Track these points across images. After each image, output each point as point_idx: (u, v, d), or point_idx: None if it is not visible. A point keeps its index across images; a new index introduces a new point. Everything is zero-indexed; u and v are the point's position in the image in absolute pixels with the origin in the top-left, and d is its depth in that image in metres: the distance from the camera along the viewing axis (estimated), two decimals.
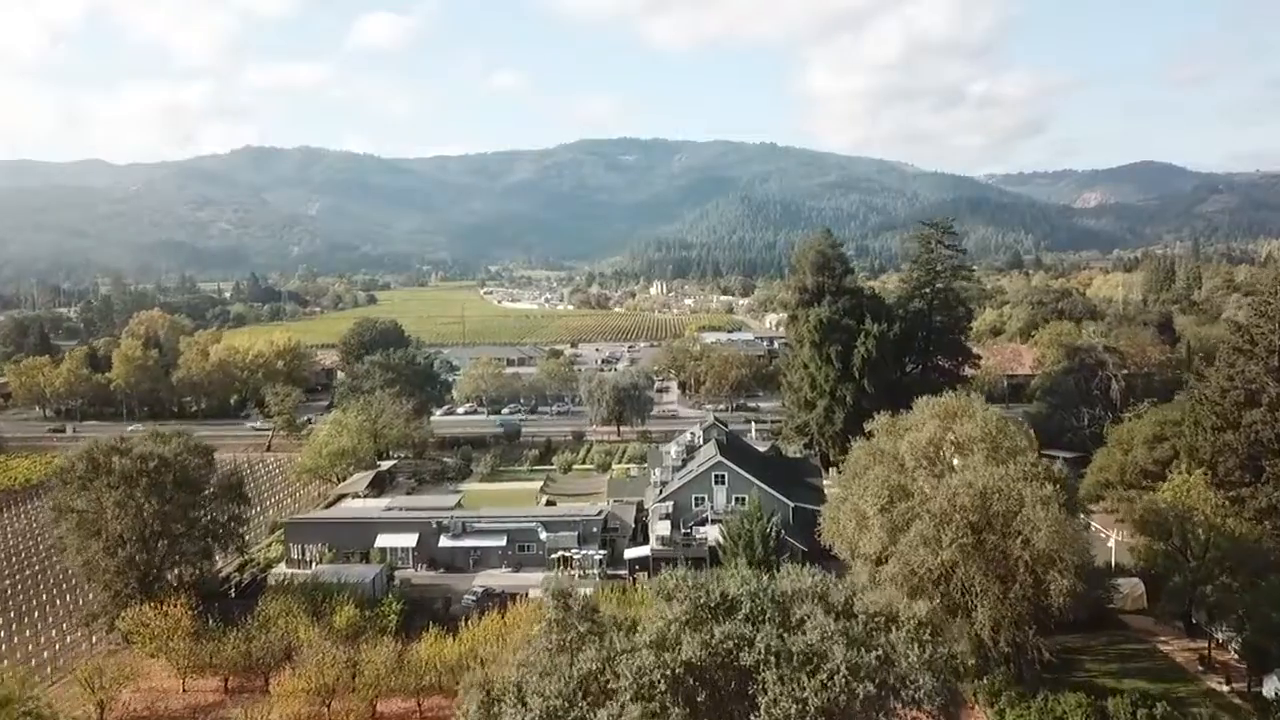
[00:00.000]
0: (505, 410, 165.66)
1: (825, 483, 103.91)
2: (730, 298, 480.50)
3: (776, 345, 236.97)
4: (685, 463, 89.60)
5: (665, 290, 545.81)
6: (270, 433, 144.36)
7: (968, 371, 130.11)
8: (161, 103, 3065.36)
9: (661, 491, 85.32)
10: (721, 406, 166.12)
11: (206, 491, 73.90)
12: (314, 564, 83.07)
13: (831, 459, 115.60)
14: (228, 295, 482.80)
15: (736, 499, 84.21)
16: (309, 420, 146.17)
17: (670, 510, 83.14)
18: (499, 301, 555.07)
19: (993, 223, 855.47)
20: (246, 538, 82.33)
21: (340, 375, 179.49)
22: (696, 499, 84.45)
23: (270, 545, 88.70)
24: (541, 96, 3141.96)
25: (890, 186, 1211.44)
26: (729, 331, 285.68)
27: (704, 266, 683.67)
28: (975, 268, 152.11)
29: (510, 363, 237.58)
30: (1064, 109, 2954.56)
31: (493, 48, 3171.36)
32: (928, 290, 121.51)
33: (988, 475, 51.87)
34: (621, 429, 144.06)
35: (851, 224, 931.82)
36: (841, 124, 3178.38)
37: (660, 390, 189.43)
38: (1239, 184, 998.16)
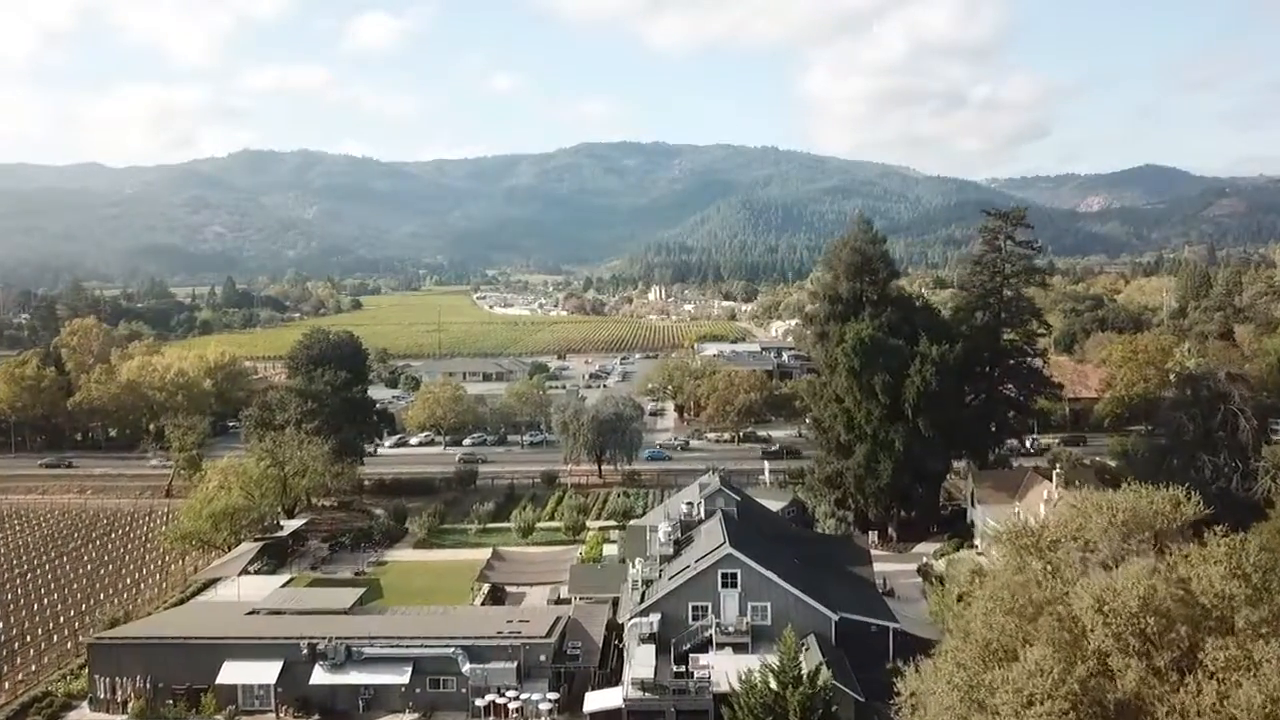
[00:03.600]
0: (467, 441, 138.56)
1: (876, 550, 77.60)
2: (732, 303, 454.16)
3: (786, 358, 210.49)
4: (679, 549, 62.50)
5: (664, 295, 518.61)
6: (170, 473, 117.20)
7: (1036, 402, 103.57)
8: (158, 105, 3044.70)
9: (644, 598, 58.17)
10: (726, 437, 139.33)
11: None
12: (128, 705, 56.06)
13: (872, 518, 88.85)
14: (201, 301, 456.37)
15: (753, 608, 57.26)
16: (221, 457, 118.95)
17: (656, 628, 56.10)
18: (490, 307, 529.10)
19: None
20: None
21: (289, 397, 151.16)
22: (695, 609, 57.39)
23: (81, 671, 61.40)
24: (541, 100, 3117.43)
25: (893, 190, 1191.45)
26: (732, 342, 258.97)
27: (704, 271, 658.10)
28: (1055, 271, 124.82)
29: (487, 377, 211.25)
30: (1066, 113, 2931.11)
31: (491, 50, 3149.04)
32: (992, 300, 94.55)
33: None
34: (603, 468, 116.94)
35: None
36: (843, 128, 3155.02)
37: (654, 414, 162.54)
38: (1244, 188, 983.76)
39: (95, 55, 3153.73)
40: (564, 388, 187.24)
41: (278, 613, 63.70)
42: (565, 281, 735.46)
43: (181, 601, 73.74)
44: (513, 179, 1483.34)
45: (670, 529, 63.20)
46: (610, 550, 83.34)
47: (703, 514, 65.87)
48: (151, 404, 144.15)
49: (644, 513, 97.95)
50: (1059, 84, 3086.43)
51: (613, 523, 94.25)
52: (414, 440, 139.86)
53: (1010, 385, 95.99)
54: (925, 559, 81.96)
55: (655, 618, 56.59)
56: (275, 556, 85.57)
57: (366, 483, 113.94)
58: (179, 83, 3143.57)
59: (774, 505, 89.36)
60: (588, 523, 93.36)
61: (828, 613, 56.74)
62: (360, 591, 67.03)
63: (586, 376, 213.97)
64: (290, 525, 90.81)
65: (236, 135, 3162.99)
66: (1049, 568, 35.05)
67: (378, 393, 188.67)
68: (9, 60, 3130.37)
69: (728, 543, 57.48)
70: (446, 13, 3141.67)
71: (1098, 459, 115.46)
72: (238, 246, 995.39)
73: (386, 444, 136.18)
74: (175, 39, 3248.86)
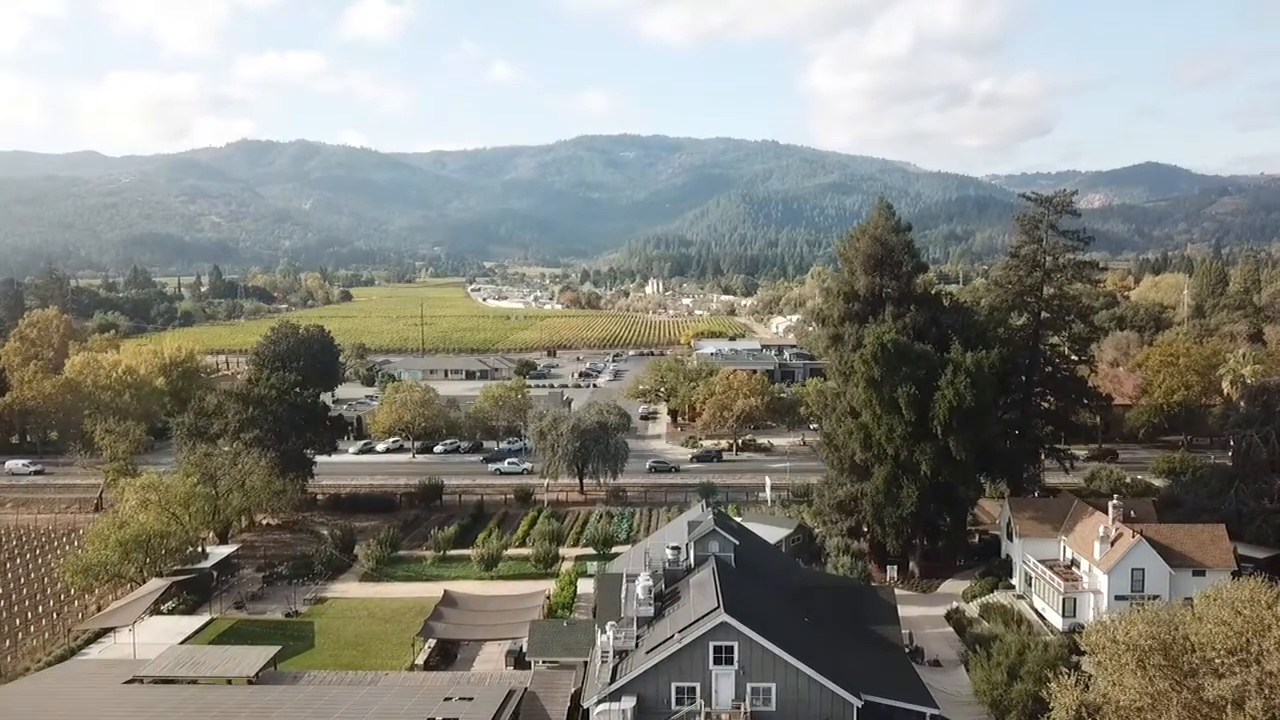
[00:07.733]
0: (439, 448, 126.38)
1: (897, 589, 64.62)
2: (731, 298, 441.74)
3: (788, 356, 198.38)
4: (661, 607, 50.25)
5: (661, 289, 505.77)
6: (101, 486, 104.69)
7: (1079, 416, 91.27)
8: (153, 94, 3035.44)
9: (615, 675, 45.88)
10: (723, 445, 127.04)
11: None
12: None
13: (890, 550, 76.34)
14: (187, 292, 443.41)
15: (754, 690, 45.01)
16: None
17: (630, 716, 43.88)
18: (484, 300, 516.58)
19: (999, 223, 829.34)
20: None
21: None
22: (680, 691, 45.18)
23: None
24: (541, 92, 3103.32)
25: (893, 186, 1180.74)
26: (731, 339, 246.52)
27: (704, 264, 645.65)
28: (1105, 266, 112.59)
29: (470, 375, 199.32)
30: (1068, 110, 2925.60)
31: (489, 41, 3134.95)
32: (1031, 299, 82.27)
33: None
34: (585, 484, 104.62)
35: (854, 224, 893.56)
36: (843, 122, 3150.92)
37: (646, 418, 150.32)
38: (1245, 187, 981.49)
39: (88, 44, 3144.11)
40: (550, 387, 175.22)
41: (166, 681, 51.48)
42: (563, 274, 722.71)
43: (68, 655, 61.38)
44: (511, 171, 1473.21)
45: (650, 582, 50.78)
46: (586, 587, 71.48)
47: (692, 560, 53.56)
48: (97, 405, 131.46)
49: (628, 539, 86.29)
50: (1061, 81, 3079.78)
51: (591, 551, 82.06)
52: (380, 447, 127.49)
53: (1050, 397, 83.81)
54: (955, 603, 69.81)
55: (629, 703, 44.33)
56: (197, 592, 73.43)
57: (320, 497, 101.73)
58: (174, 72, 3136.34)
59: (777, 533, 77.59)
60: (562, 552, 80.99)
61: (849, 697, 44.47)
62: (272, 652, 54.63)
63: (576, 375, 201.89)
64: (217, 554, 78.54)
65: (234, 125, 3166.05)
66: (1203, 706, 22.90)
67: (351, 391, 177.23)
68: (1, 48, 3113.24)
69: (722, 606, 45.17)
70: (443, 0, 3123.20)
71: (1139, 477, 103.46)
72: (234, 237, 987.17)
73: (351, 450, 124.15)
74: (168, 27, 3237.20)
